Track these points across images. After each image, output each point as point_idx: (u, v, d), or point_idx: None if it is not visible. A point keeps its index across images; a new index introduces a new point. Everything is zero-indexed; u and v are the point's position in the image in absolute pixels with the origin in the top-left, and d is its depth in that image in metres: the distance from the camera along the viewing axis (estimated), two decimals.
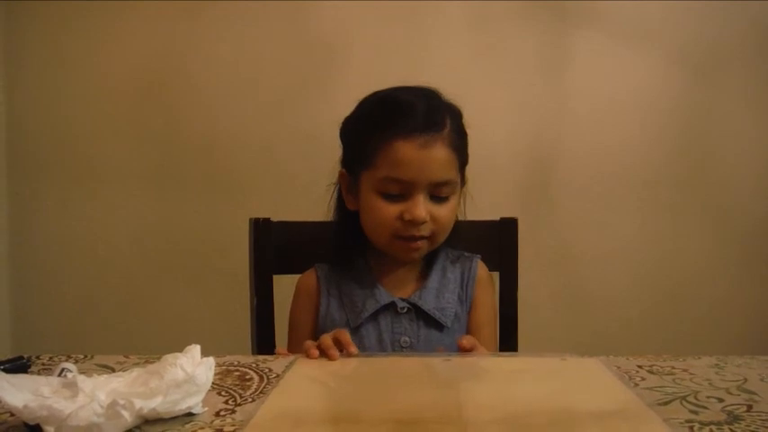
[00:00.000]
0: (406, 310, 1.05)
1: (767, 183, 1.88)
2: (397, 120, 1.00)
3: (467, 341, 0.92)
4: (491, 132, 1.79)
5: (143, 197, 1.83)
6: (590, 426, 0.63)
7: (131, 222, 1.83)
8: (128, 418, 0.58)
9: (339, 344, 0.87)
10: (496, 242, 1.21)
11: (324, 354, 0.86)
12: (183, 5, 1.80)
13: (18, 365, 0.77)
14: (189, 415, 0.63)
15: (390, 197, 1.00)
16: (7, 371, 0.65)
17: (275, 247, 1.19)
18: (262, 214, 1.19)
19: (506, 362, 0.90)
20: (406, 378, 0.79)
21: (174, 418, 0.62)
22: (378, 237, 1.04)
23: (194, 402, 0.63)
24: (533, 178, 1.86)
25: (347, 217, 1.09)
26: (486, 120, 1.78)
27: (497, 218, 1.22)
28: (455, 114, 1.04)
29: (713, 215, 1.88)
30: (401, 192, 1.00)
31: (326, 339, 0.87)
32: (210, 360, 0.67)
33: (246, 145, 1.82)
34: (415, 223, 0.99)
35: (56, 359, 0.81)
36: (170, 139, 1.82)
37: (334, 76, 1.79)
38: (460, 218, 1.12)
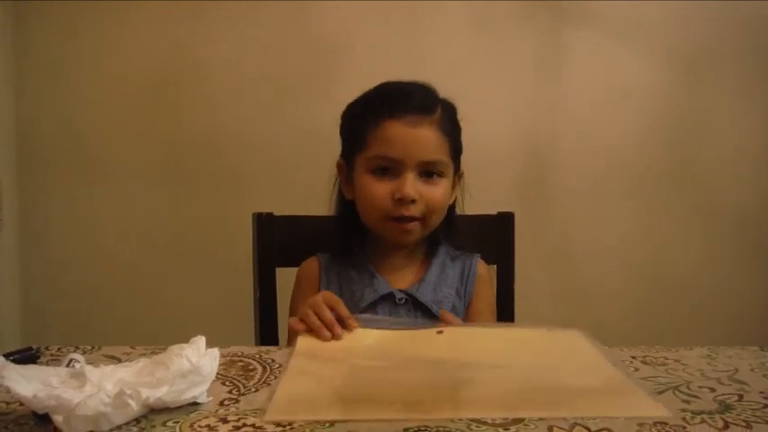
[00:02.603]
0: (404, 301, 1.06)
1: (758, 179, 1.90)
2: (389, 102, 1.02)
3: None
4: (490, 129, 1.81)
5: (149, 192, 1.84)
6: (579, 401, 0.65)
7: (137, 217, 1.84)
8: (134, 407, 0.59)
9: (338, 318, 0.87)
10: (494, 236, 1.22)
11: (328, 329, 0.85)
12: (187, 6, 1.81)
13: (27, 356, 0.78)
14: (194, 404, 0.64)
15: (381, 177, 1.02)
16: (17, 361, 0.66)
17: (277, 240, 1.20)
18: (264, 209, 1.21)
19: (499, 333, 0.92)
20: (405, 357, 0.80)
21: (180, 408, 0.63)
22: (371, 219, 1.06)
23: (199, 392, 0.64)
24: (531, 174, 1.87)
25: (346, 207, 1.11)
26: (486, 117, 1.79)
27: (495, 212, 1.23)
28: (448, 106, 1.07)
29: (706, 210, 1.90)
30: (391, 171, 1.01)
31: (326, 314, 0.86)
32: (215, 351, 0.68)
33: (250, 142, 1.83)
34: (404, 201, 1.00)
35: (64, 350, 0.82)
36: (175, 137, 1.83)
37: (336, 76, 1.80)
38: (458, 212, 1.14)
